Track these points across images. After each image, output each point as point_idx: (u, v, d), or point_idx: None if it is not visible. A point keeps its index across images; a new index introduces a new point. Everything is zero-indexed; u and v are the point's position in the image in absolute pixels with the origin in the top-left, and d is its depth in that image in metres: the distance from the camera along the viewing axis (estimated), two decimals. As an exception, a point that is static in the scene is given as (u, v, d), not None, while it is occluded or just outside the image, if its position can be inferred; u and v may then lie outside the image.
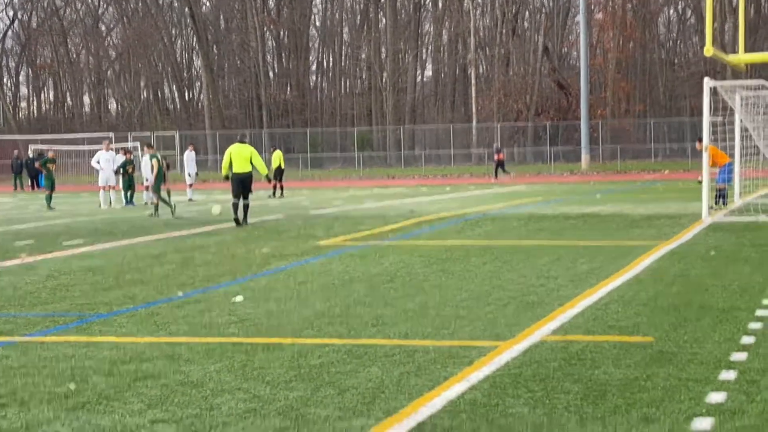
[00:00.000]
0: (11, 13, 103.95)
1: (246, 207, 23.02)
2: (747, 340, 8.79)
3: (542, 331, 9.40)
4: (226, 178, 23.49)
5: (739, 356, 8.15)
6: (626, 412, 6.65)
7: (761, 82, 23.25)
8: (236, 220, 22.76)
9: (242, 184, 22.92)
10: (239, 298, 11.67)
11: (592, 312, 10.36)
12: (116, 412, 6.90)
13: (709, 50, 20.15)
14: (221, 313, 10.72)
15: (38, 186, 35.06)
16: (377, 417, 6.67)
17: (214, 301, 11.63)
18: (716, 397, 6.93)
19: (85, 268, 15.20)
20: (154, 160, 29.15)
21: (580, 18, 68.96)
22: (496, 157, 58.11)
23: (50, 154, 35.61)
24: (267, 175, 24.47)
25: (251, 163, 22.97)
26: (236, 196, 22.89)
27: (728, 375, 7.54)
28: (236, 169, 22.83)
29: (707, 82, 21.14)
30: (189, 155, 39.85)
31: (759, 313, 10.06)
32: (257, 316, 10.55)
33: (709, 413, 6.57)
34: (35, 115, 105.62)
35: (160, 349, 8.93)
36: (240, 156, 22.84)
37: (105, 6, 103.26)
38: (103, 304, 11.58)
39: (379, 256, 15.93)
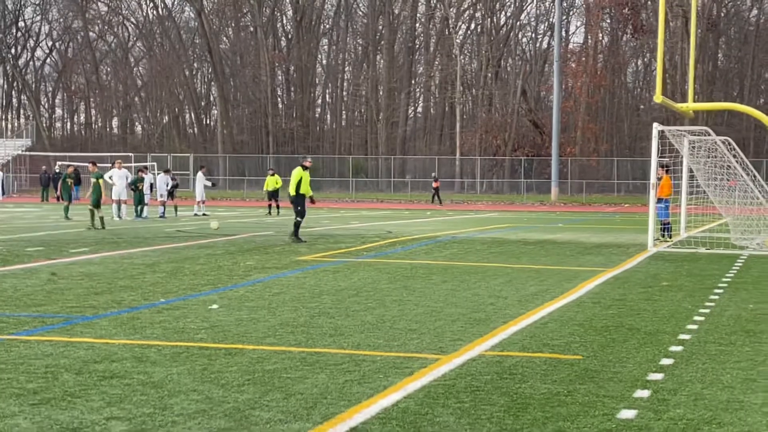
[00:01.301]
0: (50, 44, 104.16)
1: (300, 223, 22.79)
2: (666, 361, 8.60)
3: (482, 346, 9.21)
4: (291, 199, 22.83)
5: (656, 376, 7.96)
6: (543, 424, 6.46)
7: (705, 128, 23.13)
8: (301, 240, 22.35)
9: (304, 204, 22.72)
10: (215, 306, 11.47)
11: (531, 330, 10.17)
12: (77, 409, 6.70)
13: (658, 98, 20.06)
14: (195, 320, 10.51)
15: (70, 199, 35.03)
16: (315, 421, 6.47)
17: (191, 308, 11.42)
18: (627, 414, 6.74)
19: (83, 273, 14.99)
20: (97, 179, 28.29)
21: (554, 66, 68.97)
22: (434, 184, 60.31)
23: (69, 170, 35.37)
24: (311, 197, 23.26)
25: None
26: (302, 213, 22.64)
27: (642, 393, 7.35)
28: (304, 191, 22.55)
29: (656, 126, 21.03)
30: (200, 176, 39.92)
31: (681, 336, 9.88)
32: (227, 323, 10.34)
33: (617, 429, 6.38)
34: (68, 134, 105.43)
35: (132, 351, 8.72)
36: (306, 180, 22.59)
37: (134, 40, 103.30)
38: (91, 307, 11.37)
39: (350, 272, 15.73)
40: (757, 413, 6.81)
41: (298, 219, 22.57)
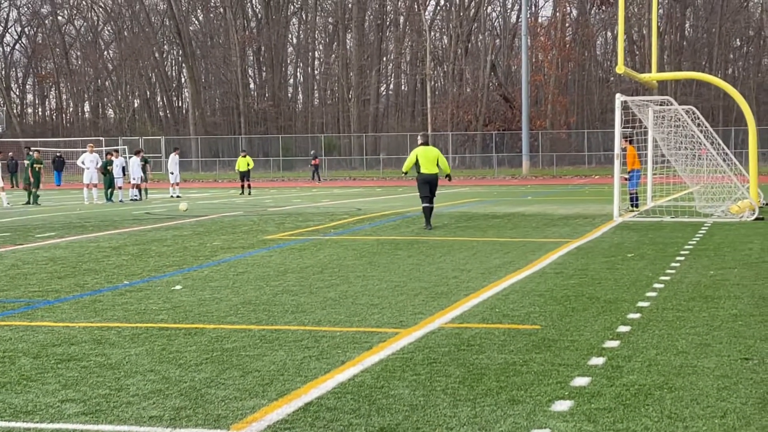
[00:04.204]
0: (18, 29, 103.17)
1: (431, 209, 19.94)
2: (623, 329, 8.62)
3: (443, 319, 9.20)
4: (405, 173, 20.70)
5: (612, 344, 7.98)
6: (497, 394, 6.46)
7: (667, 98, 23.20)
8: (429, 225, 19.70)
9: (429, 186, 19.75)
10: (178, 287, 11.42)
11: (492, 302, 10.19)
12: (32, 392, 6.64)
13: (621, 68, 20.10)
14: (157, 301, 10.46)
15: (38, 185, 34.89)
16: (271, 398, 6.45)
17: (155, 289, 11.36)
18: (580, 381, 6.75)
19: (48, 258, 14.88)
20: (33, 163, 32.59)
21: (522, 40, 69.00)
22: (313, 162, 61.75)
23: (36, 155, 35.01)
24: (448, 175, 20.99)
25: (437, 164, 19.85)
26: (426, 197, 19.75)
27: (597, 361, 7.37)
28: (424, 170, 19.61)
29: (618, 97, 21.07)
30: (173, 158, 39.95)
31: (640, 304, 9.92)
32: (190, 303, 10.29)
33: (570, 396, 6.39)
34: (39, 120, 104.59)
35: (91, 334, 8.66)
36: (427, 157, 19.59)
37: (103, 24, 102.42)
38: (54, 291, 11.29)
39: (316, 250, 15.70)
40: (709, 377, 6.85)
41: (424, 205, 19.84)
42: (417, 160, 19.63)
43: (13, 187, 54.55)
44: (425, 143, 20.01)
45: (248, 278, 12.25)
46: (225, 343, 8.16)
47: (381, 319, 9.28)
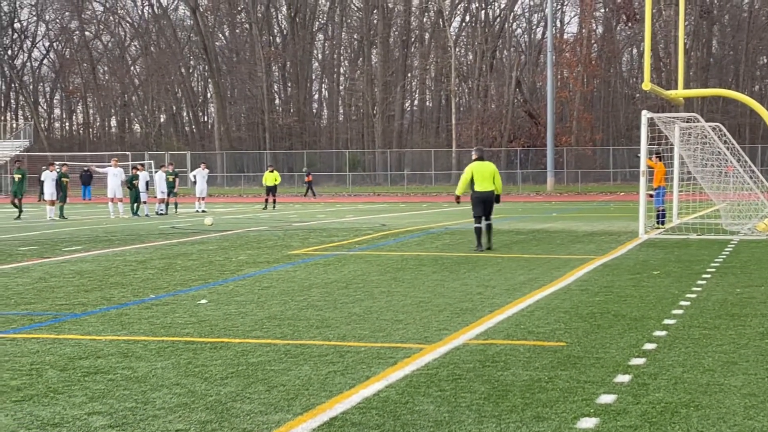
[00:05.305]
0: (47, 44, 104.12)
1: (489, 227, 18.64)
2: (649, 346, 8.59)
3: (467, 335, 9.20)
4: (457, 198, 19.34)
5: (638, 361, 7.96)
6: (522, 411, 6.45)
7: (693, 115, 23.10)
8: (481, 246, 18.29)
9: (485, 204, 18.37)
10: (204, 301, 11.47)
11: (517, 318, 10.17)
12: (59, 404, 6.69)
13: (647, 85, 20.04)
14: (183, 315, 10.51)
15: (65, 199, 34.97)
16: (296, 412, 6.47)
17: (181, 303, 11.42)
18: (606, 399, 6.73)
19: (75, 271, 14.98)
20: (18, 174, 33.97)
21: (548, 56, 68.93)
22: (306, 178, 61.57)
23: (64, 169, 35.31)
24: (497, 196, 18.75)
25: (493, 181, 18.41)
26: (480, 217, 18.40)
27: (623, 378, 7.34)
28: (479, 188, 18.19)
29: (644, 114, 21.02)
30: (201, 172, 40.12)
31: (666, 321, 9.87)
32: (215, 317, 10.34)
33: (596, 413, 6.37)
34: (66, 134, 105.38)
35: (117, 347, 8.72)
36: (482, 174, 18.21)
37: (130, 39, 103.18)
38: (81, 304, 11.37)
39: (341, 265, 15.72)
40: (736, 395, 6.81)
41: (476, 225, 18.53)
42: (472, 177, 18.24)
43: (39, 201, 55.04)
44: (480, 158, 18.52)
45: (273, 293, 12.28)
46: (250, 358, 8.19)
47: (406, 334, 9.28)
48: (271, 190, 41.37)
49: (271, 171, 42.19)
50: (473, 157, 18.70)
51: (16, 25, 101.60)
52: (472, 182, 18.27)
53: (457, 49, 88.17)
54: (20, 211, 33.28)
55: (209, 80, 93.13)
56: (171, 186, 36.98)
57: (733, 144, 23.62)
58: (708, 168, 24.14)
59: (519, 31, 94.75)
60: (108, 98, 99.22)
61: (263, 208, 40.47)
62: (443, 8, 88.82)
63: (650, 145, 22.46)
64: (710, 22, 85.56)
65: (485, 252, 17.97)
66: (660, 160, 24.55)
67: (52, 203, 33.03)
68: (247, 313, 10.58)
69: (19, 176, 33.90)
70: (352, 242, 20.70)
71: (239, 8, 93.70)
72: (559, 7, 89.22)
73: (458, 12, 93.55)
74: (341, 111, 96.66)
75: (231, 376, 7.52)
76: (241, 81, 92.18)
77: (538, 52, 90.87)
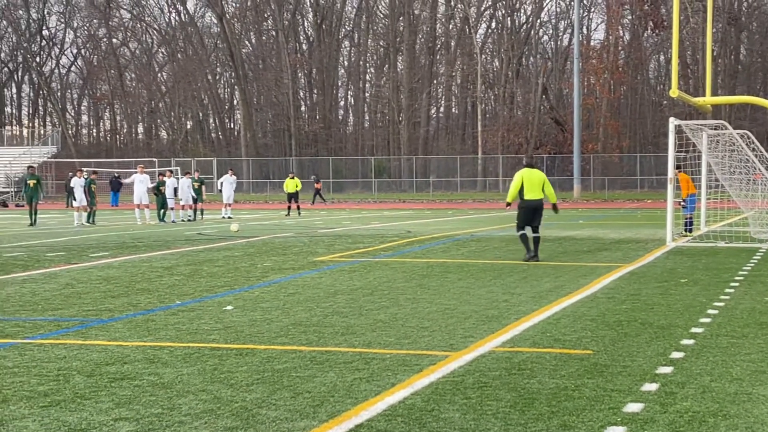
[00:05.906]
0: (74, 51, 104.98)
1: (537, 239, 18.01)
2: (676, 355, 8.54)
3: (493, 342, 9.17)
4: (508, 205, 18.90)
5: (665, 370, 7.91)
6: (548, 419, 6.42)
7: (721, 122, 22.97)
8: (530, 251, 17.69)
9: (535, 213, 17.97)
10: (229, 308, 11.50)
11: (543, 326, 10.13)
12: (85, 410, 6.72)
13: (674, 92, 19.91)
14: (209, 321, 10.54)
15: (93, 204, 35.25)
16: (321, 419, 6.46)
17: (206, 309, 11.46)
18: (633, 407, 6.69)
19: (102, 277, 15.06)
20: (32, 180, 34.05)
21: (574, 63, 68.75)
22: (316, 185, 60.83)
23: (93, 176, 35.57)
24: (554, 205, 18.81)
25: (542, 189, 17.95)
26: (525, 226, 17.93)
27: (650, 387, 7.30)
28: (528, 196, 17.71)
29: (672, 121, 20.91)
30: (228, 178, 40.30)
31: (694, 330, 9.81)
32: (241, 324, 10.36)
33: (623, 422, 6.34)
34: (94, 141, 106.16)
35: (144, 353, 8.75)
36: (532, 181, 17.72)
37: (157, 46, 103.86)
38: (107, 310, 11.43)
39: (366, 272, 15.72)
40: (764, 404, 6.76)
41: (521, 232, 17.97)
42: (522, 185, 17.72)
43: (67, 207, 55.40)
44: (530, 165, 18.25)
45: (298, 299, 12.30)
46: (276, 364, 8.20)
47: (431, 342, 9.27)
48: (293, 196, 41.50)
49: (292, 177, 42.36)
50: (524, 163, 18.57)
51: (45, 33, 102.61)
52: (521, 191, 17.80)
53: (483, 56, 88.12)
54: (33, 219, 32.86)
55: (235, 87, 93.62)
56: (197, 192, 37.10)
57: (761, 151, 23.46)
58: (736, 176, 23.99)
59: (545, 37, 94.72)
60: (135, 105, 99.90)
61: (286, 215, 40.69)
62: (469, 15, 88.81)
63: (677, 152, 22.33)
64: (738, 29, 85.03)
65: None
66: (680, 171, 24.40)
67: (84, 209, 33.19)
68: (272, 320, 10.60)
69: (34, 182, 33.77)
70: (377, 249, 20.71)
71: (266, 15, 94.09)
72: (585, 14, 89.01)
73: (484, 19, 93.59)
74: (367, 118, 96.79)
75: (257, 382, 7.53)
76: (268, 88, 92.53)
77: (565, 58, 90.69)
